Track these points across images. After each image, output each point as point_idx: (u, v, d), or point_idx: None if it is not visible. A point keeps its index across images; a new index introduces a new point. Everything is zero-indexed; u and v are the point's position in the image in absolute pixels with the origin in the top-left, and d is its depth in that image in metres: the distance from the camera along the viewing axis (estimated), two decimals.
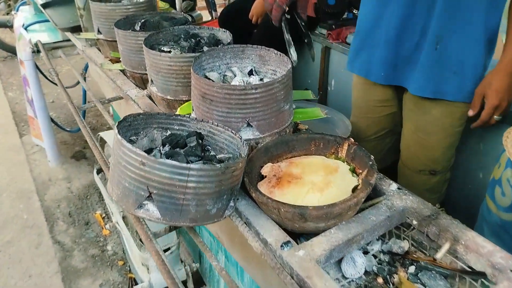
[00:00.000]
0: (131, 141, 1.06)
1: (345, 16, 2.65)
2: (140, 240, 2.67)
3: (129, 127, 1.07)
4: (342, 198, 1.04)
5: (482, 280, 0.94)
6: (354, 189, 1.09)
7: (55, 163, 3.88)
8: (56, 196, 3.65)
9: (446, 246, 0.98)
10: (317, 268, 0.91)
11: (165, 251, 2.44)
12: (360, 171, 1.12)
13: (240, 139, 1.08)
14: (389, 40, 1.59)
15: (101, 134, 2.96)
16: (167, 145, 1.02)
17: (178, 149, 1.02)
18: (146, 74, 1.68)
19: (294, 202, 1.03)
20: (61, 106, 4.74)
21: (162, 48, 1.49)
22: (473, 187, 2.09)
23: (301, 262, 0.92)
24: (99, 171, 3.36)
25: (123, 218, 2.87)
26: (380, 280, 1.04)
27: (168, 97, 1.43)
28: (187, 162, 0.96)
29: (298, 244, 0.98)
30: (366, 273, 1.06)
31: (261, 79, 1.26)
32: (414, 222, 1.05)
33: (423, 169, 1.73)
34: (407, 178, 1.82)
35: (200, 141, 1.05)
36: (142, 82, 1.70)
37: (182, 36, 1.55)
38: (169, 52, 1.45)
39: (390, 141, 1.95)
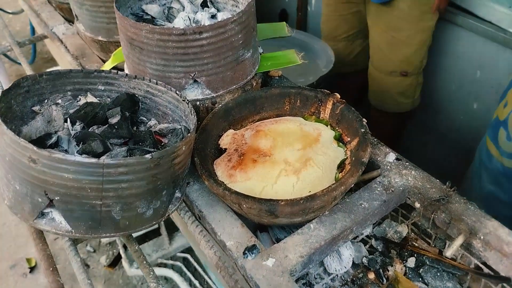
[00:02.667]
0: (35, 114, 0.75)
1: None
2: None
3: (28, 94, 0.75)
4: (325, 180, 0.78)
5: (504, 285, 0.73)
6: (341, 164, 0.83)
7: None
8: None
9: (458, 241, 0.75)
10: (291, 285, 0.68)
11: None
12: (348, 139, 0.85)
13: (188, 103, 0.78)
14: None
15: (51, 70, 2.59)
16: (78, 123, 0.72)
17: (95, 127, 0.72)
18: None
19: (261, 190, 0.77)
20: (14, 33, 4.22)
21: None
22: (465, 118, 1.91)
23: (270, 276, 0.69)
24: None
25: None
26: (371, 275, 0.83)
27: (100, 38, 1.09)
28: (105, 150, 0.67)
29: (264, 247, 0.74)
30: (354, 265, 0.85)
31: (213, 16, 0.93)
32: (417, 205, 0.81)
33: (394, 70, 1.71)
34: (378, 82, 1.81)
35: (126, 113, 0.75)
36: (72, 14, 1.33)
37: None
38: None
39: (361, 44, 1.92)
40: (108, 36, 1.08)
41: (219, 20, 0.92)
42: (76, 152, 0.66)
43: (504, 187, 1.34)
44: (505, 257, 0.71)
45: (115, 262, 2.58)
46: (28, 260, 2.60)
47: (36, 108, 0.77)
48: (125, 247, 2.35)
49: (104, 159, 0.60)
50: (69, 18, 1.36)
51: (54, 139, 0.66)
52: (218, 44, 0.83)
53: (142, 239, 2.42)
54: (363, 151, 0.77)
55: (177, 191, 0.75)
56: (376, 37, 1.72)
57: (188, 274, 2.39)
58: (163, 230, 2.44)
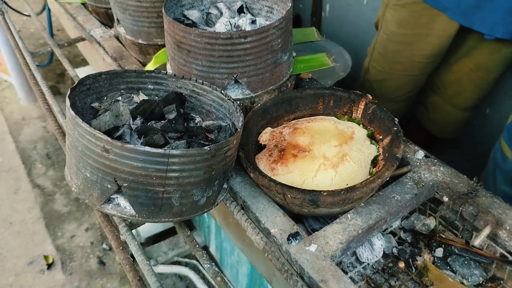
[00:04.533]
0: (94, 110, 0.82)
1: None
2: None
3: (88, 92, 0.82)
4: (360, 174, 0.85)
5: None
6: (374, 160, 0.89)
7: (27, 100, 3.58)
8: (32, 137, 3.41)
9: (486, 231, 0.81)
10: (333, 268, 0.74)
11: None
12: (380, 137, 0.91)
13: (233, 102, 0.85)
14: None
15: (77, 70, 2.66)
16: (138, 118, 0.79)
17: (153, 122, 0.79)
18: None
19: (302, 182, 0.83)
20: (28, 36, 4.30)
21: None
22: (478, 123, 1.95)
23: (314, 260, 0.75)
24: None
25: None
26: (401, 264, 0.89)
27: (140, 41, 1.16)
28: (165, 142, 0.74)
29: (305, 234, 0.80)
30: (384, 255, 0.90)
31: (253, 21, 1.00)
32: (445, 199, 0.87)
33: (471, 106, 1.65)
34: (445, 114, 1.71)
35: (181, 110, 0.82)
36: (108, 18, 1.40)
37: None
38: None
39: (414, 101, 1.77)
40: (148, 39, 1.15)
41: (258, 25, 0.99)
42: (140, 144, 0.73)
43: None
44: None
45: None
46: (46, 257, 2.66)
47: (94, 105, 0.84)
48: (143, 245, 2.41)
49: (169, 150, 0.66)
50: (105, 22, 1.43)
51: (121, 131, 0.73)
52: (260, 47, 0.89)
53: (157, 239, 2.47)
54: (396, 147, 0.83)
55: (225, 182, 0.81)
56: (461, 76, 1.58)
57: (204, 272, 2.44)
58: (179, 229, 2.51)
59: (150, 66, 1.09)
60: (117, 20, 1.19)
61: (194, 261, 2.51)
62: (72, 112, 0.68)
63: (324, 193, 0.76)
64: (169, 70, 1.02)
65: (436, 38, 1.44)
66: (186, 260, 2.53)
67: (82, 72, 2.58)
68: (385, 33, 1.54)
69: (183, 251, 2.54)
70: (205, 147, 0.69)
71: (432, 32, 1.43)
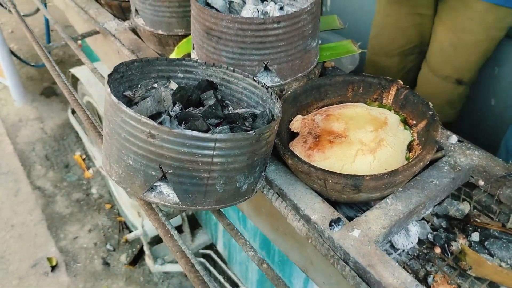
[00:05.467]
0: (126, 99, 0.80)
1: None
2: None
3: (122, 80, 0.80)
4: (397, 159, 0.84)
5: None
6: (409, 145, 0.88)
7: (22, 101, 3.53)
8: (30, 138, 3.36)
9: None
10: (379, 253, 0.73)
11: None
12: (414, 122, 0.91)
13: (267, 89, 0.83)
14: None
15: (72, 70, 2.61)
16: (177, 104, 0.77)
17: (191, 108, 0.78)
18: (126, 1, 1.36)
19: (340, 168, 0.82)
20: (22, 36, 4.23)
21: None
22: (482, 114, 1.96)
23: (358, 245, 0.74)
24: (74, 111, 3.06)
25: None
26: (437, 250, 0.88)
27: (160, 32, 1.14)
28: (208, 128, 0.72)
29: (346, 219, 0.79)
30: (419, 241, 0.90)
31: (281, 8, 0.99)
32: (481, 183, 0.87)
33: (450, 75, 1.63)
34: (430, 87, 1.72)
35: (218, 96, 0.80)
36: (121, 11, 1.38)
37: None
38: None
39: (413, 60, 1.80)
40: (168, 30, 1.14)
41: (285, 12, 0.98)
42: None
43: None
44: None
45: (136, 260, 2.61)
46: (49, 259, 2.63)
47: (127, 93, 0.82)
48: (149, 243, 2.39)
49: (216, 134, 0.65)
50: (118, 15, 1.41)
51: (163, 117, 0.71)
52: (292, 33, 0.88)
53: (161, 239, 2.45)
54: (434, 131, 0.83)
55: (264, 169, 0.80)
56: (441, 37, 1.63)
57: (212, 270, 2.43)
58: (185, 227, 2.48)
59: (173, 56, 1.07)
60: (136, 11, 1.17)
61: (201, 259, 2.50)
62: (114, 98, 0.67)
63: (367, 177, 0.75)
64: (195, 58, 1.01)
65: None
66: (194, 258, 2.51)
67: (81, 71, 2.55)
68: None
69: (190, 249, 2.52)
70: (251, 132, 0.68)
71: None
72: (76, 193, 2.97)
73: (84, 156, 3.17)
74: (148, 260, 2.42)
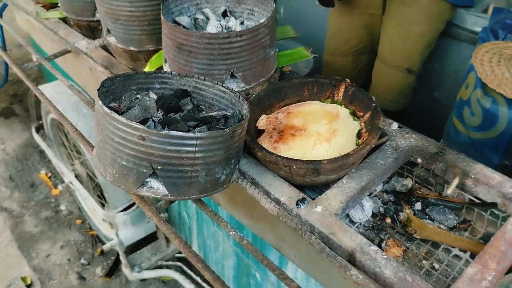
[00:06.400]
0: (111, 109, 0.91)
1: None
2: (100, 196, 2.54)
3: (107, 93, 0.91)
4: (349, 145, 1.00)
5: (492, 210, 0.96)
6: (358, 134, 1.04)
7: None
8: None
9: (455, 181, 0.98)
10: (338, 222, 0.88)
11: (127, 208, 2.35)
12: (361, 113, 1.07)
13: (235, 94, 0.97)
14: None
15: (41, 87, 2.64)
16: (159, 111, 0.89)
17: (172, 114, 0.90)
18: (95, 21, 1.46)
19: (302, 156, 0.97)
20: None
21: None
22: (428, 105, 2.17)
23: (321, 218, 0.89)
24: (38, 129, 3.06)
25: (76, 176, 2.69)
26: (388, 220, 1.04)
27: (132, 48, 1.25)
28: (188, 130, 0.85)
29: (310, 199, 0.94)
30: (373, 214, 1.06)
31: (242, 23, 1.13)
32: (419, 160, 1.04)
33: (401, 65, 1.81)
34: (382, 77, 1.91)
35: (194, 102, 0.93)
36: (90, 30, 1.47)
37: None
38: None
39: (365, 58, 1.99)
40: (139, 46, 1.25)
41: (245, 26, 1.12)
42: None
43: (472, 156, 1.58)
44: (491, 188, 0.95)
45: (112, 271, 2.65)
46: (23, 279, 2.63)
47: (112, 105, 0.93)
48: (125, 253, 2.45)
49: (197, 133, 0.77)
50: (87, 34, 1.50)
51: (149, 122, 0.83)
52: (253, 44, 1.02)
53: (136, 247, 2.51)
54: (377, 119, 0.99)
55: (238, 162, 0.93)
56: (390, 30, 1.80)
57: (190, 272, 2.52)
58: (160, 234, 2.56)
59: (147, 70, 1.19)
60: (107, 30, 1.27)
61: (178, 263, 2.58)
62: (106, 109, 0.78)
63: (324, 161, 0.90)
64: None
65: None
66: (171, 263, 2.59)
67: (45, 89, 2.58)
68: None
69: (165, 255, 2.59)
70: (225, 129, 0.81)
71: None
72: (44, 211, 2.98)
73: (50, 174, 3.18)
74: (125, 269, 2.47)
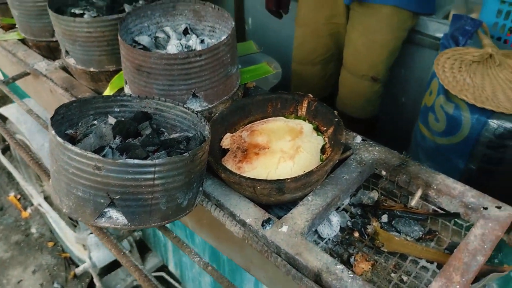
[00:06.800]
0: (68, 137, 0.89)
1: None
2: (71, 219, 2.48)
3: (62, 120, 0.89)
4: (313, 161, 0.99)
5: (456, 220, 0.98)
6: (322, 149, 1.04)
7: None
8: None
9: (419, 193, 0.99)
10: (304, 242, 0.87)
11: None
12: (325, 128, 1.07)
13: (197, 114, 0.95)
14: None
15: (6, 108, 2.57)
16: (117, 137, 0.87)
17: (131, 139, 0.88)
18: (54, 41, 1.43)
19: (266, 175, 0.96)
20: None
21: (73, 11, 1.24)
22: (396, 110, 2.21)
23: (287, 238, 0.88)
24: (4, 150, 2.97)
25: (46, 198, 2.62)
26: (356, 234, 1.04)
27: (92, 69, 1.23)
28: (147, 155, 0.83)
29: (276, 218, 0.93)
30: (341, 229, 1.05)
31: (202, 41, 1.12)
32: (384, 173, 1.05)
33: (366, 74, 1.84)
34: (349, 86, 1.92)
35: (154, 125, 0.91)
36: (50, 51, 1.44)
37: None
38: (83, 15, 1.22)
39: (333, 67, 2.01)
40: (100, 67, 1.22)
41: (206, 44, 1.11)
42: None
43: (439, 161, 1.62)
44: (453, 199, 0.96)
45: None
46: None
47: (68, 132, 0.90)
48: (99, 275, 2.38)
49: (155, 160, 0.76)
50: (47, 55, 1.47)
51: (106, 150, 0.80)
52: (213, 63, 1.01)
53: (111, 268, 2.45)
54: (340, 134, 0.99)
55: (201, 185, 0.92)
56: (354, 40, 1.82)
57: None
58: (134, 253, 2.51)
59: (107, 92, 1.16)
60: (66, 51, 1.24)
61: (155, 282, 2.52)
62: (60, 139, 0.75)
63: (288, 180, 0.89)
64: (128, 92, 1.10)
65: (330, 0, 1.79)
66: (147, 283, 2.52)
67: (9, 110, 2.52)
68: (298, 3, 1.91)
69: None
70: (185, 154, 0.80)
71: None
72: (14, 235, 2.88)
73: (19, 196, 3.09)
74: None
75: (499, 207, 0.90)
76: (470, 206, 0.93)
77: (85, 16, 1.23)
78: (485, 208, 0.91)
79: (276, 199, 0.95)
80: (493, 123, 1.28)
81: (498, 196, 0.95)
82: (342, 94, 2.00)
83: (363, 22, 1.78)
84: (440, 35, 1.84)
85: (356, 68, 1.87)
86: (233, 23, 1.08)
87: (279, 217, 0.97)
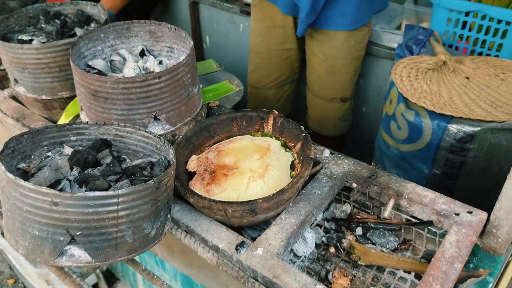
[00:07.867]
0: (21, 171, 0.82)
1: None
2: None
3: (13, 154, 0.82)
4: (284, 179, 0.97)
5: (429, 228, 0.97)
6: (292, 165, 1.02)
7: None
8: None
9: (391, 203, 0.98)
10: (281, 263, 0.84)
11: None
12: (292, 144, 1.05)
13: (159, 138, 0.91)
14: None
15: None
16: (74, 168, 0.81)
17: (90, 169, 0.82)
18: (2, 70, 1.35)
19: (237, 196, 0.92)
20: None
21: (20, 37, 1.17)
22: (358, 120, 2.24)
23: (263, 261, 0.84)
24: None
25: (3, 234, 2.46)
26: (332, 249, 1.02)
27: (44, 97, 1.16)
28: (109, 185, 0.78)
29: (250, 241, 0.89)
30: (316, 245, 1.03)
31: (160, 62, 1.08)
32: (354, 185, 1.04)
33: (335, 97, 1.85)
34: (319, 109, 1.93)
35: (114, 153, 0.86)
36: None
37: (41, 17, 1.24)
38: (31, 41, 1.15)
39: (289, 88, 2.01)
40: (52, 94, 1.16)
41: (165, 65, 1.07)
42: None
43: (404, 168, 1.64)
44: (425, 207, 0.96)
45: None
46: None
47: (21, 165, 0.84)
48: None
49: (118, 190, 0.71)
50: None
51: (63, 183, 0.75)
52: (173, 84, 0.98)
53: None
54: (308, 150, 0.97)
55: (168, 212, 0.87)
56: (316, 67, 1.83)
57: None
58: (102, 284, 2.39)
59: (62, 120, 1.10)
60: (15, 80, 1.17)
61: None
62: (10, 175, 0.69)
63: (260, 201, 0.86)
64: (84, 119, 1.05)
65: (280, 28, 1.78)
66: None
67: None
68: (250, 30, 1.91)
69: None
70: (150, 181, 0.75)
71: (276, 23, 1.78)
72: None
73: None
74: None
75: (470, 212, 0.91)
76: (442, 213, 0.93)
77: (34, 42, 1.16)
78: (457, 214, 0.91)
79: (249, 220, 0.92)
80: (453, 127, 1.31)
81: (464, 198, 0.96)
82: (314, 116, 2.00)
83: (322, 50, 1.79)
84: (394, 45, 1.88)
85: (323, 93, 1.88)
86: (192, 42, 1.05)
87: (253, 239, 0.94)
